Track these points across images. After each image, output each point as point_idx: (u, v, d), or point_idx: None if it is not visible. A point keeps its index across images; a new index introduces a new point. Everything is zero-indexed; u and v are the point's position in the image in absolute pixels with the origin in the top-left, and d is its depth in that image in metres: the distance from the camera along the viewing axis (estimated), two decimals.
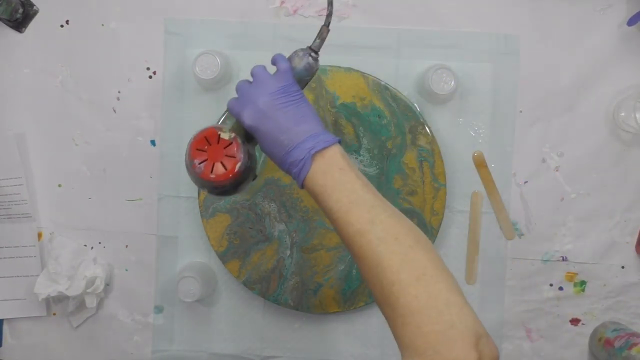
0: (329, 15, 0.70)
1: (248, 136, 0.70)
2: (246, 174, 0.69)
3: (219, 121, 0.94)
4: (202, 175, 0.67)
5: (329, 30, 0.71)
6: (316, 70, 0.72)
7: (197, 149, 0.67)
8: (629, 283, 0.96)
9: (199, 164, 0.67)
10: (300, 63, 0.70)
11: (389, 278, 0.56)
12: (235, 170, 0.67)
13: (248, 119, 0.67)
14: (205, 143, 0.67)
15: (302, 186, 0.65)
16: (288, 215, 0.95)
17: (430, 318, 0.53)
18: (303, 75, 0.71)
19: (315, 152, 0.63)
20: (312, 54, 0.71)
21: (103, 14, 0.97)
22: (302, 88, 0.70)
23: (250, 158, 0.69)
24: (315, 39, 0.72)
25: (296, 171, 0.64)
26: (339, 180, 0.63)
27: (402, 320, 0.54)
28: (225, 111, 0.93)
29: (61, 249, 0.97)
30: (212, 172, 0.67)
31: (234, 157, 0.67)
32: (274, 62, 0.71)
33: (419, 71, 0.95)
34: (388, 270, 0.56)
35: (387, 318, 0.57)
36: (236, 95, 0.71)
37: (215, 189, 0.69)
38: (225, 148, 0.67)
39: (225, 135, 0.67)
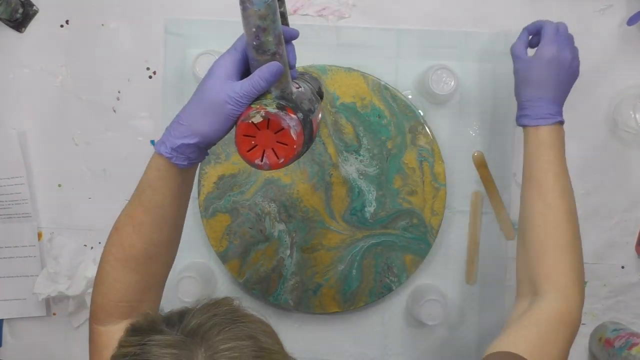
0: None
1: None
2: (306, 145, 0.63)
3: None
4: (271, 167, 0.61)
5: None
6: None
7: (247, 151, 0.61)
8: (629, 283, 0.96)
9: (247, 151, 0.61)
10: None
11: (571, 233, 0.73)
12: (291, 159, 0.61)
13: None
14: (250, 137, 0.61)
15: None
16: (288, 215, 0.95)
17: (582, 279, 0.72)
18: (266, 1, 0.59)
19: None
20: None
21: (103, 14, 0.97)
22: (275, 12, 0.61)
23: (305, 126, 0.62)
24: None
25: (530, 115, 0.77)
26: (560, 150, 0.78)
27: (568, 271, 0.71)
28: None
29: (61, 248, 0.97)
30: (277, 156, 0.61)
31: (286, 144, 0.60)
32: None
33: (419, 71, 0.95)
34: (573, 229, 0.73)
35: (545, 264, 0.71)
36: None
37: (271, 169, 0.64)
38: (275, 133, 0.60)
39: (257, 119, 0.60)
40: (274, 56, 0.61)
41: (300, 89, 0.67)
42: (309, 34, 0.96)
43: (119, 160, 0.98)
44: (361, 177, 0.94)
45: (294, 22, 0.96)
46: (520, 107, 0.78)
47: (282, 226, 0.95)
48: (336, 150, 0.94)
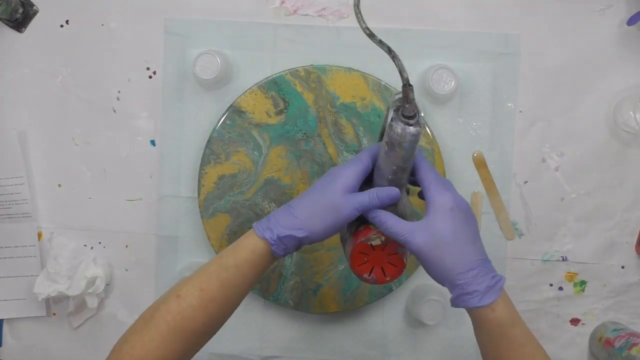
0: (402, 71, 0.59)
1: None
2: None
3: (218, 121, 0.94)
4: (378, 282, 0.67)
5: (412, 87, 0.60)
6: (420, 134, 0.60)
7: (359, 265, 0.66)
8: (629, 283, 0.96)
9: (368, 276, 0.67)
10: (404, 138, 0.59)
11: None
12: (405, 263, 0.67)
13: (421, 240, 0.63)
14: (364, 254, 0.66)
15: (464, 307, 0.64)
16: None
17: None
18: (412, 147, 0.60)
19: (502, 283, 0.64)
20: (410, 122, 0.60)
21: (103, 14, 0.97)
22: (414, 155, 0.63)
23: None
24: (404, 104, 0.60)
25: (472, 293, 0.62)
26: (518, 314, 0.65)
27: None
28: (227, 110, 0.94)
29: (60, 248, 0.97)
30: (384, 274, 0.66)
31: (396, 253, 0.66)
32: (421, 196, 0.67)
33: (419, 71, 0.95)
34: None
35: None
36: None
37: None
38: (383, 250, 0.65)
39: (376, 242, 0.65)
40: (401, 188, 0.66)
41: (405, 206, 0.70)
42: (309, 34, 0.96)
43: (119, 160, 0.98)
44: None
45: (294, 22, 0.96)
46: (453, 287, 0.63)
47: None
48: (336, 150, 0.94)
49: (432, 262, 0.63)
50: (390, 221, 0.64)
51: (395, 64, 0.59)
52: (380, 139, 0.69)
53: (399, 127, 0.59)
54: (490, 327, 0.63)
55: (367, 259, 0.65)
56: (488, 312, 0.62)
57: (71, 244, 0.97)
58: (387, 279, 0.66)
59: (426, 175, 0.65)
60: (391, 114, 0.61)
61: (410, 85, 0.59)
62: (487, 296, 0.62)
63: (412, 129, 0.59)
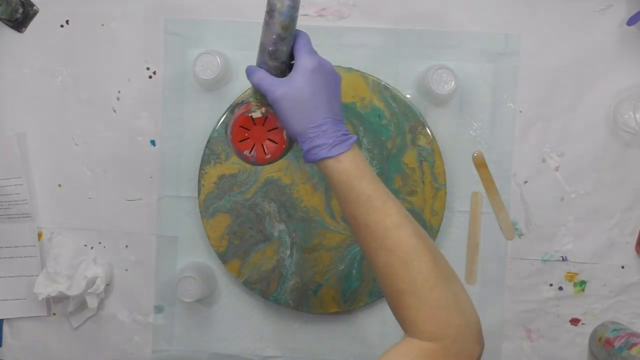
0: None
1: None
2: (289, 145, 0.69)
3: (218, 121, 0.94)
4: (258, 161, 0.67)
5: None
6: (298, 1, 0.65)
7: (240, 141, 0.66)
8: (629, 283, 0.96)
9: (249, 153, 0.66)
10: (283, 3, 0.63)
11: (424, 273, 0.62)
12: (285, 139, 0.66)
13: (279, 92, 0.65)
14: (244, 130, 0.66)
15: (315, 160, 0.65)
16: (288, 215, 0.95)
17: (455, 313, 0.61)
18: (292, 13, 0.64)
19: (352, 140, 0.65)
20: None
21: (103, 14, 0.97)
22: (294, 26, 0.66)
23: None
24: None
25: (321, 145, 0.64)
26: (371, 171, 0.65)
27: (429, 312, 0.61)
28: (228, 108, 0.94)
29: (60, 248, 0.97)
30: (265, 153, 0.66)
31: (276, 127, 0.66)
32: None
33: (419, 71, 0.95)
34: (424, 266, 0.62)
35: (407, 307, 0.62)
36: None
37: (269, 162, 0.69)
38: (263, 125, 0.66)
39: (257, 114, 0.65)
40: (282, 64, 0.66)
41: None
42: (309, 34, 0.95)
43: (119, 160, 0.98)
44: None
45: None
46: (302, 142, 0.65)
47: (282, 226, 0.95)
48: None
49: (288, 115, 0.65)
50: (259, 74, 0.66)
51: None
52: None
53: None
54: (339, 179, 0.64)
55: (247, 134, 0.65)
56: (334, 163, 0.64)
57: (71, 244, 0.97)
58: (267, 156, 0.65)
59: (299, 45, 0.67)
60: None
61: None
62: (335, 149, 0.64)
63: None
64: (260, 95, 0.67)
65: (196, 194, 0.96)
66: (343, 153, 0.64)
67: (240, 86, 0.95)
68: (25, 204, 0.98)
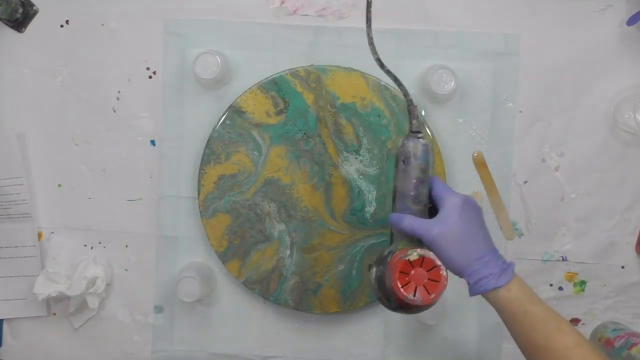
0: (407, 94, 0.71)
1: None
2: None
3: (219, 121, 0.94)
4: (414, 303, 0.67)
5: (416, 106, 0.71)
6: (431, 145, 0.72)
7: (402, 286, 0.67)
8: (629, 283, 0.96)
9: (412, 295, 0.66)
10: (418, 151, 0.70)
11: None
12: (441, 292, 0.67)
13: (436, 232, 0.67)
14: (404, 274, 0.67)
15: (484, 292, 0.67)
16: (288, 215, 0.95)
17: None
18: (427, 157, 0.70)
19: (513, 267, 0.68)
20: (419, 136, 0.71)
21: (103, 14, 0.97)
22: (429, 169, 0.71)
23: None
24: (411, 121, 0.71)
25: (488, 275, 0.67)
26: (535, 294, 0.69)
27: None
28: (227, 110, 0.94)
29: (59, 248, 0.97)
30: (428, 292, 0.66)
31: (438, 280, 0.67)
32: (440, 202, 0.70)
33: (419, 71, 0.95)
34: None
35: None
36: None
37: (418, 308, 0.70)
38: (427, 271, 0.67)
39: (414, 257, 0.67)
40: (425, 207, 0.71)
41: None
42: (309, 34, 0.96)
43: (119, 160, 0.98)
44: (361, 177, 0.94)
45: (294, 22, 0.96)
46: (467, 275, 0.68)
47: (282, 226, 0.95)
48: (336, 150, 0.94)
49: (450, 252, 0.67)
50: (408, 219, 0.69)
51: (401, 89, 0.72)
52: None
53: (410, 142, 0.70)
54: (511, 308, 0.66)
55: (408, 278, 0.66)
56: (505, 293, 0.66)
57: (70, 244, 0.97)
58: (432, 296, 0.66)
59: (439, 186, 0.71)
60: (400, 143, 0.71)
61: (414, 104, 0.71)
62: (502, 277, 0.67)
63: (422, 140, 0.70)
64: (407, 240, 0.70)
65: (196, 194, 0.96)
66: (510, 281, 0.67)
67: (240, 86, 0.95)
68: (25, 203, 0.98)
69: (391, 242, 0.73)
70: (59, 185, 0.99)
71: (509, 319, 0.67)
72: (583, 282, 0.96)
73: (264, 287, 0.95)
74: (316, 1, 0.96)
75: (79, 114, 0.98)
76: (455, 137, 0.96)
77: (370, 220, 0.94)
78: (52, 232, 0.99)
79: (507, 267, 0.68)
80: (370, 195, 0.94)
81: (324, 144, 0.94)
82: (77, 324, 0.99)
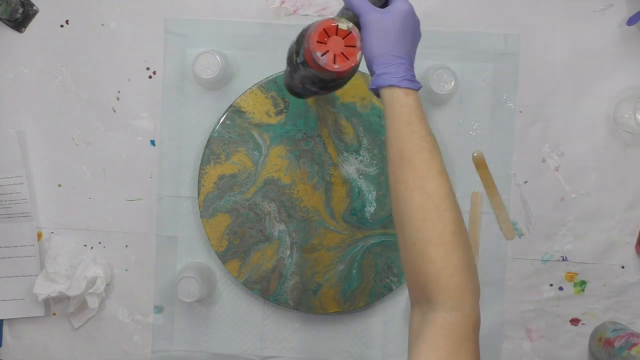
0: None
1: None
2: (355, 69, 0.70)
3: (219, 121, 0.94)
4: (326, 67, 0.67)
5: None
6: None
7: (318, 42, 0.67)
8: (629, 283, 0.96)
9: (322, 55, 0.67)
10: None
11: (453, 226, 0.62)
12: (357, 59, 0.68)
13: (373, 17, 0.68)
14: (325, 35, 0.67)
15: (383, 85, 0.67)
16: (288, 215, 0.95)
17: (471, 277, 0.62)
18: None
19: (420, 85, 0.68)
20: None
21: (103, 14, 0.97)
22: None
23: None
24: None
25: (395, 73, 0.67)
26: (427, 119, 0.67)
27: (454, 270, 0.61)
28: (227, 110, 0.94)
29: (59, 248, 0.97)
30: (335, 62, 0.67)
31: (354, 46, 0.67)
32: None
33: (419, 71, 0.95)
34: (455, 218, 0.62)
35: (432, 260, 0.62)
36: None
37: (335, 81, 0.71)
38: (343, 39, 0.67)
39: (343, 26, 0.67)
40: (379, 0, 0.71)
41: None
42: None
43: (119, 160, 0.98)
44: (361, 177, 0.94)
45: (294, 22, 0.96)
46: (378, 64, 0.68)
47: (282, 226, 0.95)
48: (336, 150, 0.94)
49: (374, 38, 0.68)
50: None
51: None
52: None
53: None
54: (400, 112, 0.66)
55: (326, 40, 0.67)
56: (402, 95, 0.66)
57: (69, 244, 0.97)
58: (336, 66, 0.67)
59: None
60: None
61: None
62: (405, 82, 0.66)
63: None
64: (347, 18, 0.70)
65: (196, 194, 0.96)
66: (411, 89, 0.66)
67: (240, 86, 0.95)
68: (25, 203, 0.98)
69: None
70: (59, 185, 0.99)
71: (393, 123, 0.66)
72: (583, 282, 0.96)
73: (264, 287, 0.95)
74: (316, 1, 0.96)
75: (79, 114, 0.98)
76: (455, 137, 0.96)
77: (370, 220, 0.94)
78: (52, 232, 0.99)
79: (415, 81, 0.67)
80: (370, 195, 0.94)
81: (324, 144, 0.94)
82: (77, 324, 0.99)
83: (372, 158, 0.94)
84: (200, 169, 0.95)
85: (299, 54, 0.71)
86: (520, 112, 0.96)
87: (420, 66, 0.95)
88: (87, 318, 0.99)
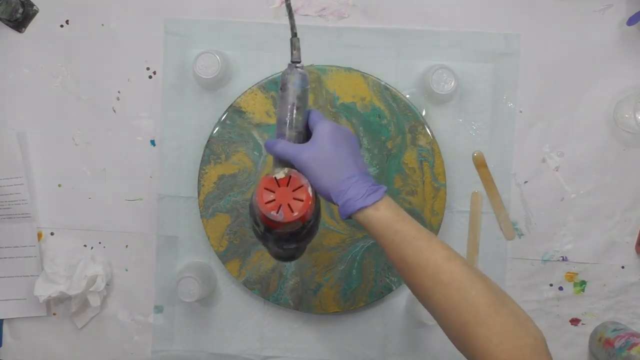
0: (293, 27, 0.71)
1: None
2: (315, 215, 0.71)
3: (219, 121, 0.94)
4: (286, 219, 0.66)
5: (298, 39, 0.72)
6: (307, 76, 0.72)
7: (266, 203, 0.67)
8: (629, 283, 0.96)
9: (277, 213, 0.66)
10: (295, 78, 0.70)
11: (484, 301, 0.62)
12: (311, 194, 0.67)
13: (306, 155, 0.68)
14: (269, 192, 0.67)
15: (352, 212, 0.66)
16: None
17: (522, 333, 0.62)
18: (304, 85, 0.71)
19: (383, 189, 0.68)
20: (297, 65, 0.72)
21: (103, 14, 0.97)
22: (307, 98, 0.72)
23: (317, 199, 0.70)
24: (292, 52, 0.72)
25: (355, 196, 0.66)
26: (407, 215, 0.67)
27: (500, 339, 0.61)
28: (227, 110, 0.94)
29: (57, 249, 0.97)
30: (292, 211, 0.66)
31: (301, 185, 0.67)
32: (312, 125, 0.71)
33: (419, 71, 0.95)
34: (482, 293, 0.62)
35: (476, 337, 0.62)
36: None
37: (305, 227, 0.70)
38: (287, 185, 0.67)
39: (280, 175, 0.67)
40: (299, 134, 0.71)
41: None
42: (309, 34, 0.96)
43: (119, 160, 0.98)
44: None
45: None
46: (336, 195, 0.67)
47: None
48: None
49: (317, 174, 0.67)
50: (281, 144, 0.70)
51: (290, 21, 0.71)
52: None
53: (288, 70, 0.71)
54: (380, 227, 0.66)
55: (274, 196, 0.67)
56: (373, 212, 0.66)
57: (67, 244, 0.97)
58: (295, 214, 0.66)
59: (314, 115, 0.72)
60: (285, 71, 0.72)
61: (297, 37, 0.72)
62: (370, 197, 0.66)
63: (300, 69, 0.71)
64: (282, 165, 0.70)
65: (196, 194, 0.96)
66: (378, 201, 0.66)
67: (240, 86, 0.95)
68: (25, 203, 0.98)
69: None
70: (59, 185, 0.99)
71: (381, 238, 0.66)
72: (583, 282, 0.96)
73: (264, 287, 0.95)
74: (316, 1, 0.96)
75: (79, 114, 0.98)
76: (455, 137, 0.96)
77: None
78: (52, 232, 0.99)
79: (376, 189, 0.67)
80: None
81: None
82: (81, 323, 0.99)
83: (372, 158, 0.94)
84: (200, 169, 0.95)
85: (258, 224, 0.70)
86: (520, 112, 0.96)
87: (420, 66, 0.95)
88: (90, 317, 0.99)
